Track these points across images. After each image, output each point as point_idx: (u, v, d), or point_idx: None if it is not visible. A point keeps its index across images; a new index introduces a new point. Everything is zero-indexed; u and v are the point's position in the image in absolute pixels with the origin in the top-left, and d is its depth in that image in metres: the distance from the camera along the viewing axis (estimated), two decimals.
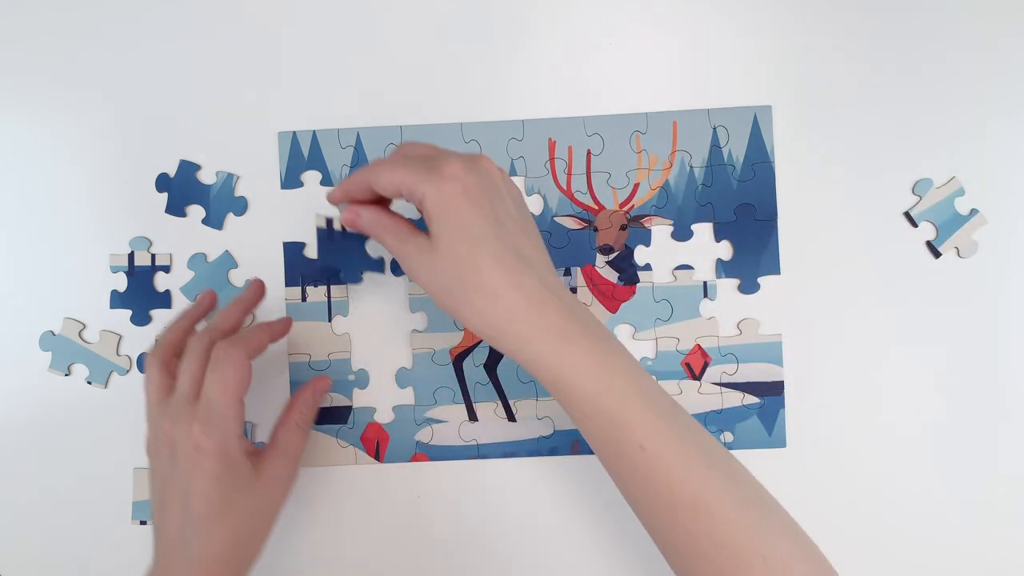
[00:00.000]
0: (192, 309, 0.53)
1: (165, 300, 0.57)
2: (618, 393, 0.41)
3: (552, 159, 0.56)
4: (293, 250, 0.56)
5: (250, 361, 0.48)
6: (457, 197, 0.42)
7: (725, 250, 0.56)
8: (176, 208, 0.57)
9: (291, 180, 0.56)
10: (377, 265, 0.55)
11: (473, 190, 0.42)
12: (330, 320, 0.56)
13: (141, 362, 0.57)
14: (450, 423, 0.56)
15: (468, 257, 0.42)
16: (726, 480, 0.42)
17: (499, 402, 0.56)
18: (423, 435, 0.56)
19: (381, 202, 0.48)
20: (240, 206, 0.57)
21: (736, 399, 0.55)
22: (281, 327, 0.53)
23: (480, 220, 0.42)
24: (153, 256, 0.57)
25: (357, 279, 0.55)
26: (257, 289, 0.54)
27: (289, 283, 0.56)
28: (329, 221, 0.51)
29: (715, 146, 0.55)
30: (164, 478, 0.46)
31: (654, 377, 0.45)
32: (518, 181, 0.56)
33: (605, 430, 0.42)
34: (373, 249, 0.55)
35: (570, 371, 0.41)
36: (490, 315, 0.42)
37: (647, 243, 0.56)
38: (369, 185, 0.45)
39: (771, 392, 0.55)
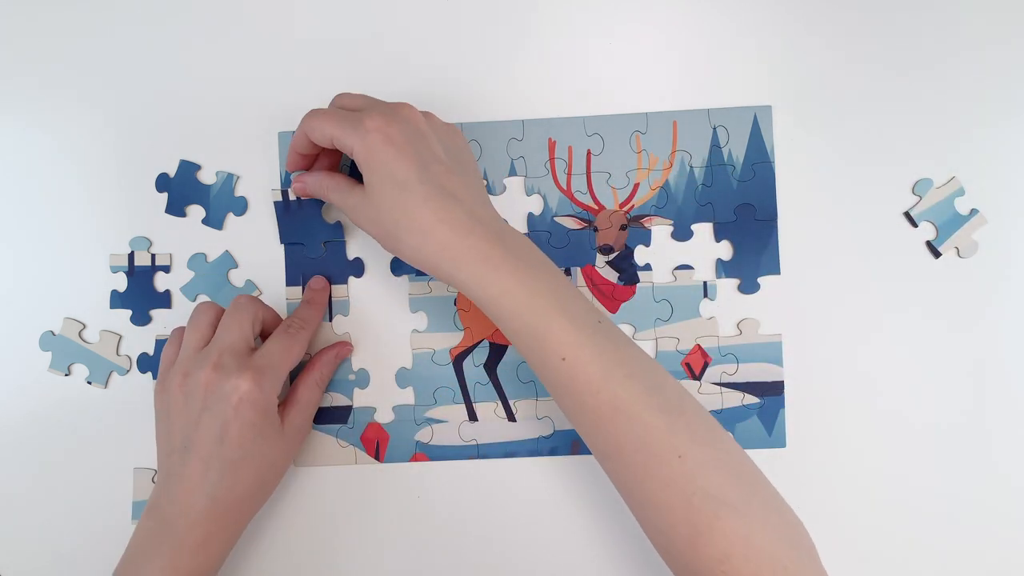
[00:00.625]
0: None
1: (165, 300, 0.57)
2: (539, 310, 0.45)
3: (552, 159, 0.56)
4: (294, 249, 0.56)
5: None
6: (381, 146, 0.46)
7: (725, 250, 0.56)
8: (176, 208, 0.57)
9: (291, 180, 0.56)
10: (337, 231, 0.56)
11: (396, 138, 0.46)
12: (331, 320, 0.56)
13: (141, 362, 0.57)
14: (450, 423, 0.56)
15: (397, 200, 0.46)
16: (645, 388, 0.44)
17: (499, 402, 0.56)
18: (423, 435, 0.56)
19: (328, 153, 0.53)
20: (240, 206, 0.57)
21: (736, 399, 0.55)
22: (323, 295, 0.56)
23: (405, 165, 0.46)
24: (153, 256, 0.57)
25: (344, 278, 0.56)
26: (324, 289, 0.56)
27: (290, 282, 0.56)
28: (284, 192, 0.55)
29: (715, 146, 0.56)
30: (189, 421, 0.49)
31: (581, 293, 0.48)
32: (517, 181, 0.56)
33: (531, 345, 0.46)
34: (329, 215, 0.56)
35: (496, 292, 0.45)
36: (423, 250, 0.46)
37: (647, 243, 0.56)
38: (307, 137, 0.49)
39: (771, 392, 0.55)
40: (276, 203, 0.55)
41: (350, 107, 0.50)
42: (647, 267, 0.56)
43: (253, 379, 0.49)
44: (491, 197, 0.56)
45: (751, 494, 0.44)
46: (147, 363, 0.56)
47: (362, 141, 0.46)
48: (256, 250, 0.57)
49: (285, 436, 0.51)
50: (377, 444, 0.56)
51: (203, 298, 0.56)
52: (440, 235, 0.45)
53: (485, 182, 0.56)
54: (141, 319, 0.57)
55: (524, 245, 0.48)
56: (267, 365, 0.50)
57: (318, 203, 0.56)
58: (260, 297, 0.56)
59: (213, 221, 0.57)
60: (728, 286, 0.56)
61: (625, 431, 0.44)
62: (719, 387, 0.55)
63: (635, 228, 0.56)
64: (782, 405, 0.55)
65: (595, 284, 0.56)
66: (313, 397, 0.54)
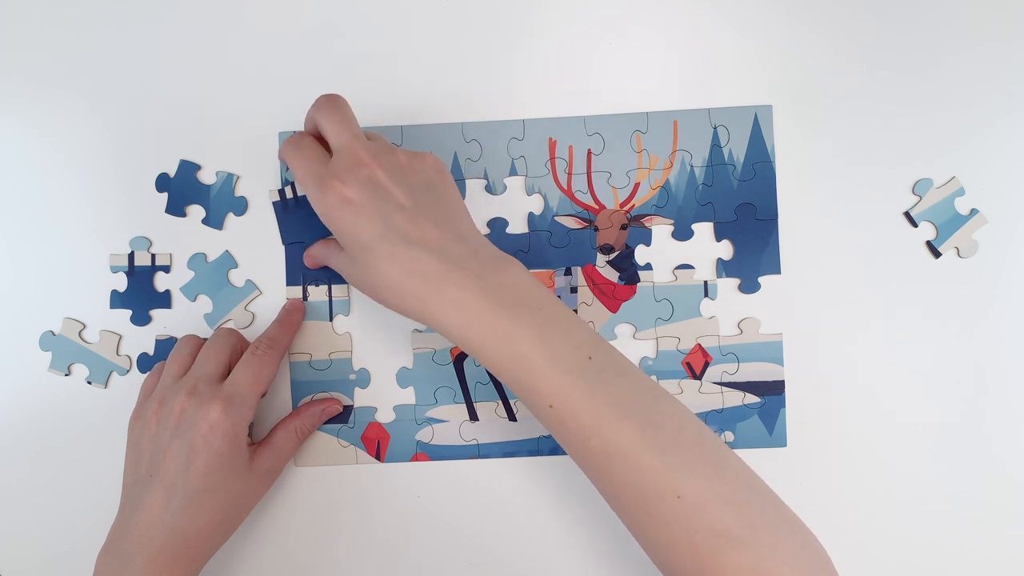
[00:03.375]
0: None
1: (165, 300, 0.57)
2: (523, 359, 0.43)
3: (552, 159, 0.56)
4: (294, 249, 0.56)
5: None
6: (340, 210, 0.46)
7: (725, 250, 0.56)
8: (176, 208, 0.57)
9: (285, 181, 0.56)
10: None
11: (354, 198, 0.45)
12: (331, 319, 0.56)
13: (141, 362, 0.57)
14: (451, 423, 0.56)
15: (367, 262, 0.46)
16: (639, 428, 0.42)
17: (500, 402, 0.56)
18: (424, 435, 0.56)
19: None
20: (240, 206, 0.57)
21: (737, 398, 0.55)
22: (299, 316, 0.56)
23: (365, 226, 0.45)
24: (153, 256, 0.57)
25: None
26: (299, 310, 0.56)
27: (290, 282, 0.56)
28: (282, 192, 0.55)
29: (715, 146, 0.56)
30: (159, 448, 0.49)
31: (571, 320, 0.45)
32: (517, 181, 0.56)
33: (519, 392, 0.44)
34: None
35: (477, 343, 0.44)
36: (403, 306, 0.46)
37: (648, 243, 0.56)
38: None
39: (772, 391, 0.55)
40: (275, 203, 0.55)
41: (315, 160, 0.48)
42: (648, 267, 0.56)
43: (222, 408, 0.48)
44: (492, 197, 0.56)
45: (757, 523, 0.42)
46: (147, 363, 0.56)
47: (322, 206, 0.46)
48: (256, 250, 0.57)
49: (252, 474, 0.51)
50: (378, 444, 0.56)
51: (203, 298, 0.56)
52: (414, 290, 0.44)
53: (474, 197, 0.55)
54: (141, 319, 0.56)
55: (511, 279, 0.45)
56: (235, 393, 0.49)
57: None
58: (260, 297, 0.56)
59: (213, 221, 0.57)
60: (729, 285, 0.56)
61: (620, 475, 0.43)
62: (720, 386, 0.55)
63: (636, 228, 0.56)
64: (783, 404, 0.55)
65: (595, 284, 0.56)
66: (288, 444, 0.53)
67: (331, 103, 0.49)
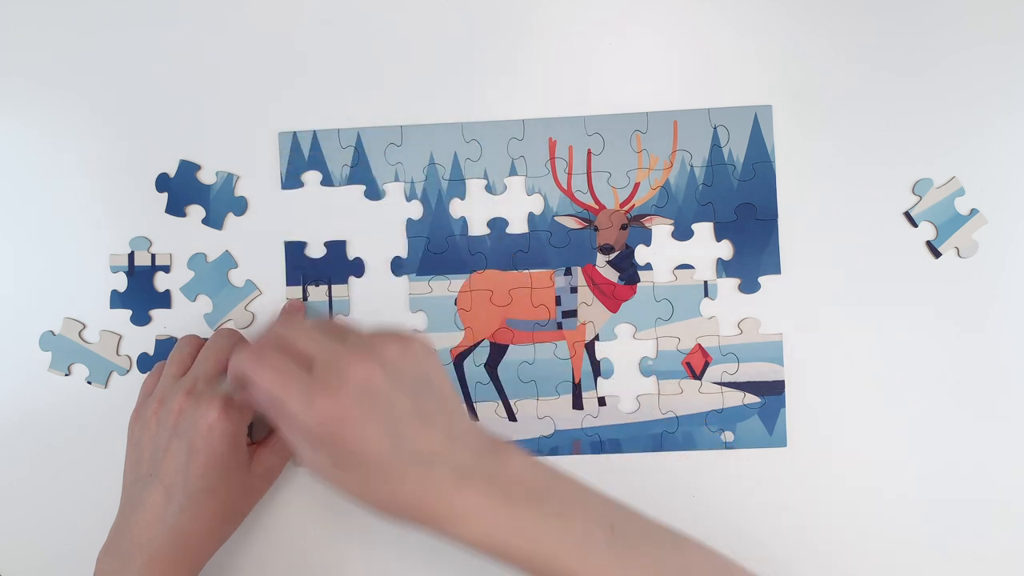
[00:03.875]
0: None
1: (165, 300, 0.57)
2: (549, 552, 0.41)
3: (552, 159, 0.56)
4: (294, 249, 0.56)
5: None
6: (340, 429, 0.40)
7: (726, 249, 0.56)
8: (176, 208, 0.57)
9: (291, 180, 0.56)
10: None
11: (355, 415, 0.40)
12: (331, 319, 0.56)
13: (141, 362, 0.56)
14: None
15: (369, 483, 0.41)
16: None
17: (500, 402, 0.56)
18: None
19: None
20: (240, 206, 0.57)
21: (737, 398, 0.55)
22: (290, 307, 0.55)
23: (371, 444, 0.40)
24: (153, 256, 0.57)
25: None
26: (298, 307, 0.55)
27: (290, 282, 0.56)
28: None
29: (715, 146, 0.56)
30: (158, 448, 0.49)
31: (587, 497, 0.44)
32: (517, 181, 0.56)
33: None
34: None
35: (499, 547, 0.41)
36: (418, 524, 0.42)
37: (648, 243, 0.56)
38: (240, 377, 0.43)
39: (772, 391, 0.55)
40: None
41: (299, 348, 0.42)
42: (648, 267, 0.56)
43: (221, 407, 0.47)
44: (492, 197, 0.56)
45: None
46: (147, 363, 0.56)
47: (312, 428, 0.40)
48: (256, 250, 0.57)
49: (252, 474, 0.50)
50: None
51: (203, 298, 0.56)
52: (429, 508, 0.41)
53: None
54: (141, 319, 0.56)
55: (517, 470, 0.43)
56: (234, 391, 0.46)
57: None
58: (260, 297, 0.56)
59: (213, 221, 0.57)
60: (729, 285, 0.56)
61: None
62: (720, 386, 0.55)
63: (636, 228, 0.56)
64: (783, 404, 0.55)
65: (595, 284, 0.56)
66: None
67: (290, 314, 0.49)
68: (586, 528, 0.42)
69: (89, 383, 0.56)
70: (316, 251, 0.56)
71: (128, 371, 0.57)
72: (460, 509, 0.41)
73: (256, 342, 0.45)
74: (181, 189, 0.56)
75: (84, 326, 0.57)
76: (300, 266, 0.56)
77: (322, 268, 0.56)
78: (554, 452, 0.56)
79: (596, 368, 0.56)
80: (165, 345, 0.56)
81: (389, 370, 0.42)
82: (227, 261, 0.57)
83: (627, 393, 0.56)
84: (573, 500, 0.43)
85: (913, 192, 0.55)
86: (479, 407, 0.56)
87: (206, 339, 0.53)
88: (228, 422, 0.48)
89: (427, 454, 0.41)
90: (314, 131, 0.56)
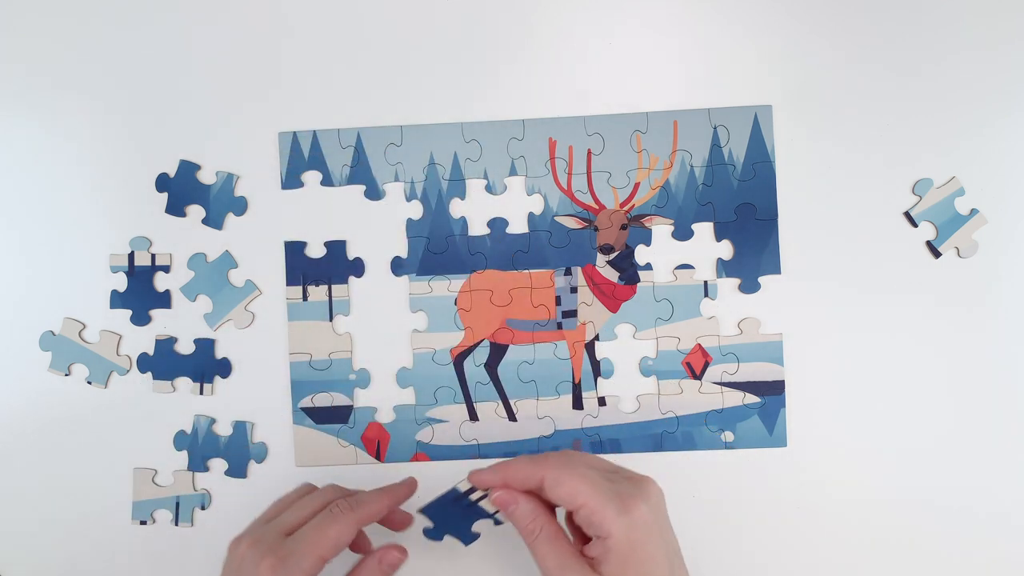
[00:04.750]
0: (372, 494, 0.51)
1: (165, 300, 0.57)
2: None
3: (552, 159, 0.56)
4: (294, 249, 0.56)
5: (358, 529, 0.47)
6: (646, 538, 0.41)
7: (726, 250, 0.56)
8: (176, 208, 0.57)
9: (291, 180, 0.56)
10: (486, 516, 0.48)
11: (656, 534, 0.42)
12: (331, 320, 0.56)
13: (141, 362, 0.56)
14: (451, 423, 0.56)
15: None
16: None
17: (500, 402, 0.56)
18: (424, 435, 0.56)
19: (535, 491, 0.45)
20: (240, 206, 0.57)
21: (737, 398, 0.55)
22: (405, 491, 0.51)
23: (661, 563, 0.42)
24: (153, 256, 0.57)
25: (470, 538, 0.50)
26: (410, 487, 0.51)
27: (290, 282, 0.56)
28: (470, 491, 0.46)
29: (715, 146, 0.56)
30: None
31: None
32: (518, 180, 0.56)
33: None
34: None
35: None
36: None
37: (648, 242, 0.56)
38: (541, 484, 0.43)
39: (772, 391, 0.55)
40: (451, 491, 0.47)
41: (602, 476, 0.43)
42: (648, 266, 0.56)
43: (271, 565, 0.44)
44: (492, 197, 0.56)
45: None
46: (147, 363, 0.56)
47: (627, 531, 0.41)
48: (256, 250, 0.57)
49: None
50: (378, 444, 0.56)
51: (203, 298, 0.56)
52: None
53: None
54: (141, 319, 0.56)
55: None
56: (293, 551, 0.45)
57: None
58: (259, 297, 0.56)
59: (213, 221, 0.57)
60: (729, 285, 0.56)
61: None
62: (720, 386, 0.55)
63: (636, 228, 0.56)
64: (783, 404, 0.55)
65: (596, 284, 0.56)
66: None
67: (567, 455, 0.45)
68: None
69: (89, 383, 0.56)
70: (316, 251, 0.56)
71: (128, 371, 0.56)
72: None
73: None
74: (181, 189, 0.56)
75: (84, 326, 0.57)
76: (300, 266, 0.56)
77: (322, 268, 0.56)
78: None
79: (596, 368, 0.56)
80: (165, 345, 0.56)
81: (662, 498, 0.44)
82: (227, 261, 0.57)
83: (627, 393, 0.56)
84: None
85: (913, 192, 0.55)
86: (479, 407, 0.56)
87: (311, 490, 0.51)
88: None
89: None
90: (314, 131, 0.56)
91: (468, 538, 0.50)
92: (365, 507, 0.48)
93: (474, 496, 0.46)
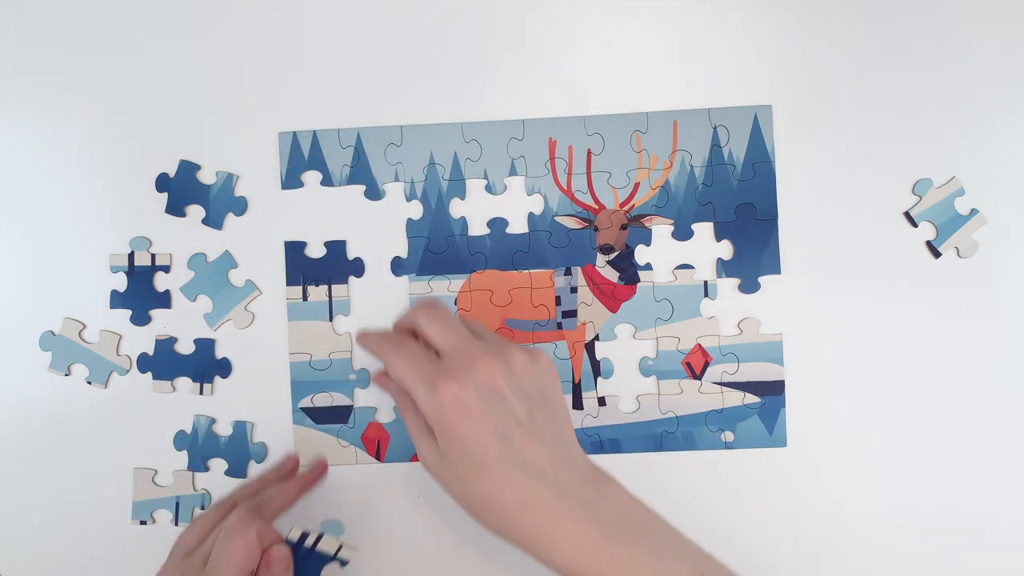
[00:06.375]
0: (270, 474, 0.53)
1: (165, 300, 0.57)
2: None
3: (552, 159, 0.56)
4: (294, 249, 0.56)
5: (267, 528, 0.46)
6: (457, 418, 0.42)
7: (725, 250, 0.56)
8: (176, 208, 0.57)
9: (291, 180, 0.56)
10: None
11: (473, 407, 0.42)
12: (331, 319, 0.56)
13: (141, 362, 0.56)
14: None
15: (474, 479, 0.42)
16: None
17: None
18: None
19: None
20: (240, 206, 0.57)
21: (737, 398, 0.55)
22: (312, 477, 0.52)
23: (483, 440, 0.42)
24: (153, 256, 0.57)
25: None
26: (316, 472, 0.53)
27: (290, 282, 0.56)
28: (302, 538, 0.47)
29: (715, 146, 0.56)
30: None
31: (680, 543, 0.44)
32: (518, 180, 0.56)
33: None
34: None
35: (591, 574, 0.41)
36: (504, 531, 0.42)
37: (648, 243, 0.56)
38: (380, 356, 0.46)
39: (772, 391, 0.55)
40: (288, 541, 0.47)
41: (424, 359, 0.44)
42: (648, 267, 0.56)
43: None
44: (492, 197, 0.56)
45: None
46: (147, 363, 0.56)
47: (435, 409, 0.42)
48: (256, 250, 0.57)
49: None
50: (378, 444, 0.56)
51: (203, 298, 0.56)
52: (525, 519, 0.42)
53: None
54: (141, 319, 0.56)
55: (616, 504, 0.43)
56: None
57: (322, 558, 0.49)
58: (259, 297, 0.56)
59: (213, 221, 0.57)
60: (729, 285, 0.56)
61: None
62: (720, 386, 0.55)
63: (636, 228, 0.56)
64: (783, 404, 0.55)
65: (596, 284, 0.56)
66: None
67: (431, 306, 0.46)
68: (679, 571, 0.42)
69: (89, 383, 0.56)
70: (316, 251, 0.56)
71: (128, 371, 0.57)
72: (554, 531, 0.41)
73: (395, 325, 0.48)
74: (181, 189, 0.56)
75: (84, 326, 0.57)
76: (300, 266, 0.56)
77: (322, 268, 0.56)
78: None
79: (596, 368, 0.56)
80: (165, 345, 0.56)
81: (512, 376, 0.43)
82: (227, 261, 0.57)
83: (627, 393, 0.56)
84: (667, 542, 0.43)
85: (913, 192, 0.55)
86: None
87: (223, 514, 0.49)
88: None
89: (531, 465, 0.42)
90: (314, 131, 0.56)
91: None
92: (268, 505, 0.48)
93: (308, 542, 0.47)
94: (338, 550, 0.47)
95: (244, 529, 0.45)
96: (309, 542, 0.47)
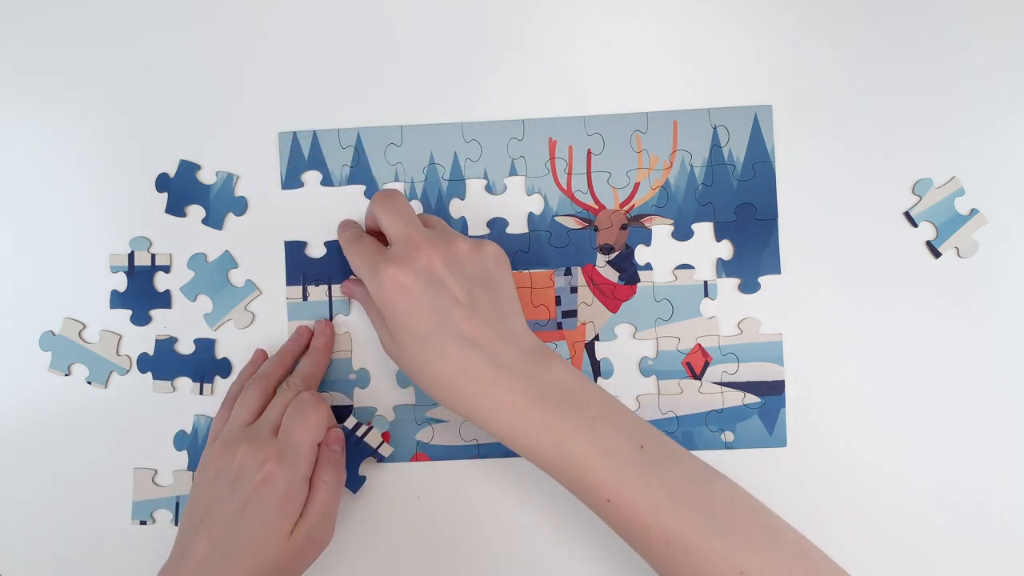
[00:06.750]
0: (289, 345, 0.55)
1: (165, 300, 0.57)
2: (575, 456, 0.44)
3: (552, 159, 0.56)
4: (294, 249, 0.56)
5: (329, 409, 0.52)
6: (396, 299, 0.46)
7: (725, 250, 0.56)
8: (176, 208, 0.57)
9: (291, 180, 0.56)
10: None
11: (411, 288, 0.46)
12: (331, 319, 0.56)
13: (141, 362, 0.56)
14: (451, 422, 0.56)
15: (417, 353, 0.46)
16: (697, 514, 0.43)
17: None
18: (424, 435, 0.56)
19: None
20: (240, 206, 0.57)
21: (737, 398, 0.55)
22: (329, 340, 0.55)
23: (420, 318, 0.46)
24: (153, 256, 0.57)
25: (357, 484, 0.55)
26: (329, 331, 0.56)
27: (290, 282, 0.56)
28: (356, 427, 0.54)
29: (715, 145, 0.56)
30: (214, 496, 0.48)
31: (620, 412, 0.46)
32: (517, 180, 0.56)
33: (572, 487, 0.45)
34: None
35: (527, 443, 0.45)
36: (449, 402, 0.46)
37: (648, 243, 0.56)
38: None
39: (772, 391, 0.55)
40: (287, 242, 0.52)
41: (372, 249, 0.49)
42: (648, 267, 0.56)
43: (276, 460, 0.47)
44: (492, 197, 0.56)
45: None
46: (147, 363, 0.56)
47: (378, 291, 0.47)
48: (256, 250, 0.57)
49: (291, 541, 0.47)
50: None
51: (203, 298, 0.56)
52: (463, 388, 0.45)
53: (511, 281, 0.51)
54: (141, 319, 0.56)
55: (556, 378, 0.45)
56: (285, 444, 0.48)
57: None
58: (259, 297, 0.56)
59: (213, 221, 0.57)
60: (729, 285, 0.56)
61: (682, 560, 0.43)
62: (720, 386, 0.55)
63: (636, 228, 0.56)
64: (783, 404, 0.55)
65: (596, 284, 0.56)
66: (320, 500, 0.49)
67: (386, 196, 0.49)
68: (616, 442, 0.44)
69: (89, 383, 0.56)
70: (316, 251, 0.56)
71: (128, 371, 0.57)
72: (492, 400, 0.44)
73: (366, 217, 0.52)
74: (181, 189, 0.56)
75: (84, 326, 0.57)
76: (300, 265, 0.56)
77: (322, 268, 0.56)
78: None
79: (596, 368, 0.56)
80: (165, 345, 0.56)
81: (452, 261, 0.47)
82: (227, 261, 0.57)
83: (627, 393, 0.56)
84: (607, 414, 0.45)
85: (913, 192, 0.55)
86: None
87: (274, 385, 0.53)
88: (280, 475, 0.47)
89: (469, 339, 0.45)
90: (314, 131, 0.56)
91: (355, 484, 0.55)
92: (316, 376, 0.54)
93: (360, 432, 0.54)
94: (379, 445, 0.54)
95: (318, 405, 0.50)
96: (360, 432, 0.54)
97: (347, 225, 0.54)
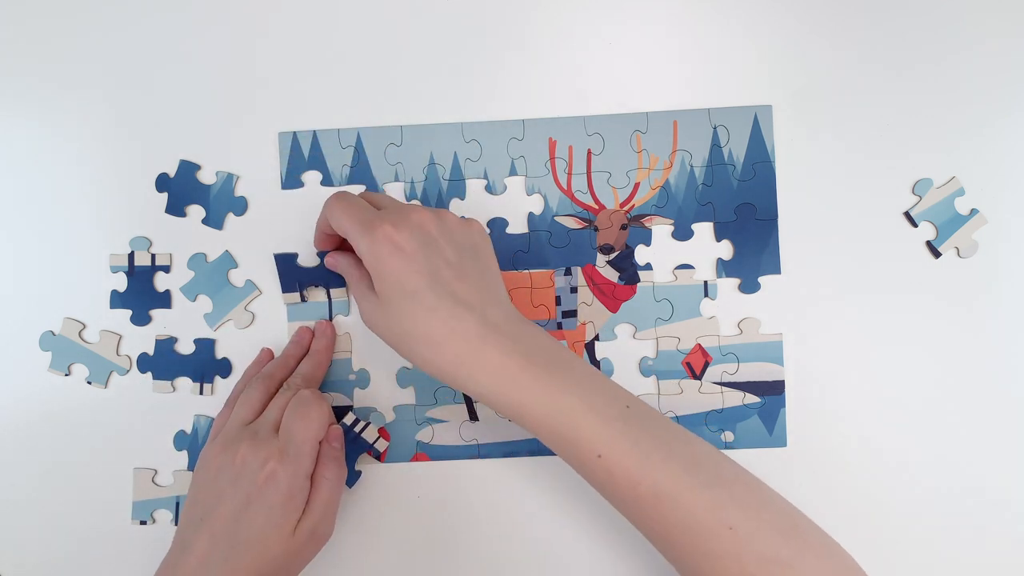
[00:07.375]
0: (292, 348, 0.55)
1: (165, 300, 0.57)
2: (566, 413, 0.44)
3: (552, 159, 0.56)
4: (285, 261, 0.56)
5: (329, 407, 0.52)
6: (389, 256, 0.45)
7: (725, 250, 0.56)
8: (176, 208, 0.57)
9: (292, 180, 0.56)
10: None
11: (405, 246, 0.45)
12: (331, 320, 0.56)
13: (141, 362, 0.56)
14: (451, 423, 0.56)
15: (407, 311, 0.45)
16: (685, 469, 0.44)
17: None
18: (424, 435, 0.56)
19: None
20: (240, 206, 0.57)
21: (737, 398, 0.55)
22: (330, 341, 0.56)
23: (413, 275, 0.45)
24: (153, 256, 0.57)
25: (353, 479, 0.56)
26: (331, 332, 0.56)
27: (286, 289, 0.56)
28: (354, 423, 0.56)
29: (715, 146, 0.56)
30: (215, 493, 0.48)
31: (604, 379, 0.47)
32: (518, 181, 0.56)
33: (562, 446, 0.45)
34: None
35: (516, 402, 0.44)
36: (436, 362, 0.45)
37: (648, 243, 0.56)
38: (327, 221, 0.49)
39: (772, 391, 0.55)
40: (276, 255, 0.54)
41: (363, 208, 0.48)
42: (648, 267, 0.56)
43: (278, 458, 0.47)
44: (492, 197, 0.56)
45: (803, 547, 0.44)
46: (147, 363, 0.56)
47: (371, 247, 0.46)
48: (256, 250, 0.57)
49: (295, 537, 0.47)
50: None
51: (203, 298, 0.56)
52: (452, 347, 0.45)
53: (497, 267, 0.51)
54: (141, 319, 0.56)
55: (542, 343, 0.46)
56: (287, 442, 0.48)
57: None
58: (259, 297, 0.56)
59: (213, 221, 0.57)
60: (729, 285, 0.56)
61: (671, 515, 0.43)
62: (720, 386, 0.55)
63: (636, 228, 0.56)
64: (783, 404, 0.55)
65: (596, 284, 0.56)
66: (323, 495, 0.49)
67: (339, 195, 0.49)
68: (603, 400, 0.45)
69: (89, 383, 0.56)
70: (310, 260, 0.56)
71: (128, 371, 0.57)
72: (481, 358, 0.44)
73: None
74: (181, 189, 0.56)
75: (84, 326, 0.57)
76: (293, 274, 0.56)
77: (322, 268, 0.56)
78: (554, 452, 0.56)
79: (596, 368, 0.56)
80: (165, 345, 0.56)
81: (444, 226, 0.48)
82: (227, 261, 0.57)
83: None
84: (591, 377, 0.46)
85: (913, 192, 0.55)
86: (479, 407, 0.56)
87: (277, 384, 0.53)
88: (284, 474, 0.47)
89: (459, 298, 0.45)
90: (314, 131, 0.56)
91: (351, 479, 0.55)
92: (317, 377, 0.54)
93: (357, 428, 0.55)
94: (376, 440, 0.55)
95: (319, 402, 0.50)
96: (358, 428, 0.55)
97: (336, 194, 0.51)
